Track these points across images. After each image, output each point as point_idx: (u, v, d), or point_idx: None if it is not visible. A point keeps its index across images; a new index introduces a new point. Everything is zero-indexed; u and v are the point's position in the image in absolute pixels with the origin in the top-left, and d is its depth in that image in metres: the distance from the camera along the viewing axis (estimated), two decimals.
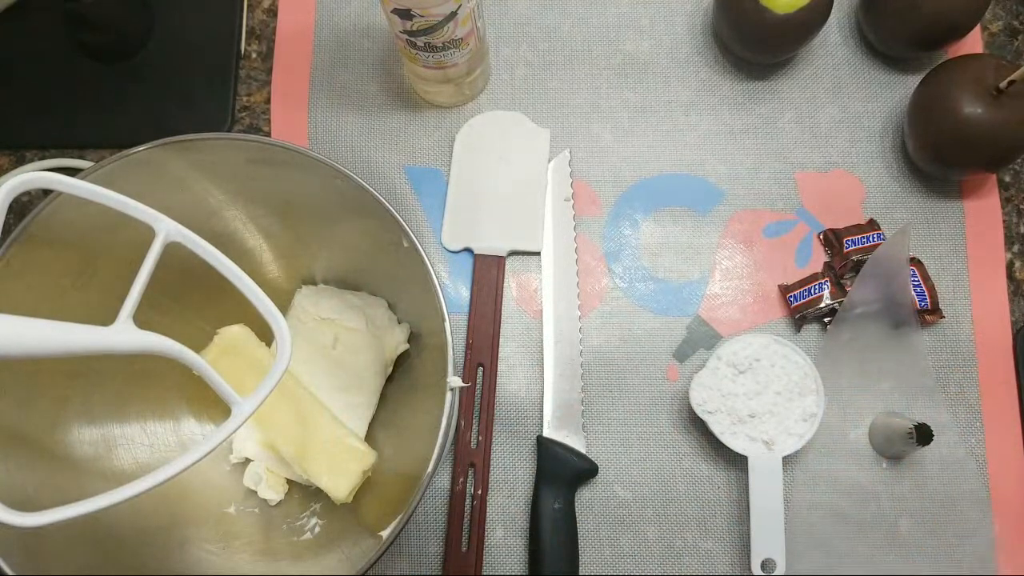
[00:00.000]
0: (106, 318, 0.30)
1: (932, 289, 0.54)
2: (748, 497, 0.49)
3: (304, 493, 0.52)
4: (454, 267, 0.56)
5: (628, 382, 0.55)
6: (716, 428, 0.50)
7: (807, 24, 0.53)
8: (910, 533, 0.52)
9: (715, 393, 0.50)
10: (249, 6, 0.61)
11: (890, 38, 0.57)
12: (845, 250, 0.55)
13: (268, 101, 0.59)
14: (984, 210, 0.57)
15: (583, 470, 0.52)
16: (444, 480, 0.53)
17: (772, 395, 0.50)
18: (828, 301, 0.53)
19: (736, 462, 0.53)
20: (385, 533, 0.40)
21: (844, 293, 0.54)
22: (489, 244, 0.56)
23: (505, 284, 0.56)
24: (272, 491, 0.51)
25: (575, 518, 0.52)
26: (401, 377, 0.53)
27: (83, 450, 0.47)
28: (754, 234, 0.57)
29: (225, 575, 0.46)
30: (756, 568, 0.49)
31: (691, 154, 0.58)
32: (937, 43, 0.56)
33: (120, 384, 0.49)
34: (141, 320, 0.30)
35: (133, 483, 0.29)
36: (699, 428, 0.54)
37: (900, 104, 0.59)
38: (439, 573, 0.52)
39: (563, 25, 0.60)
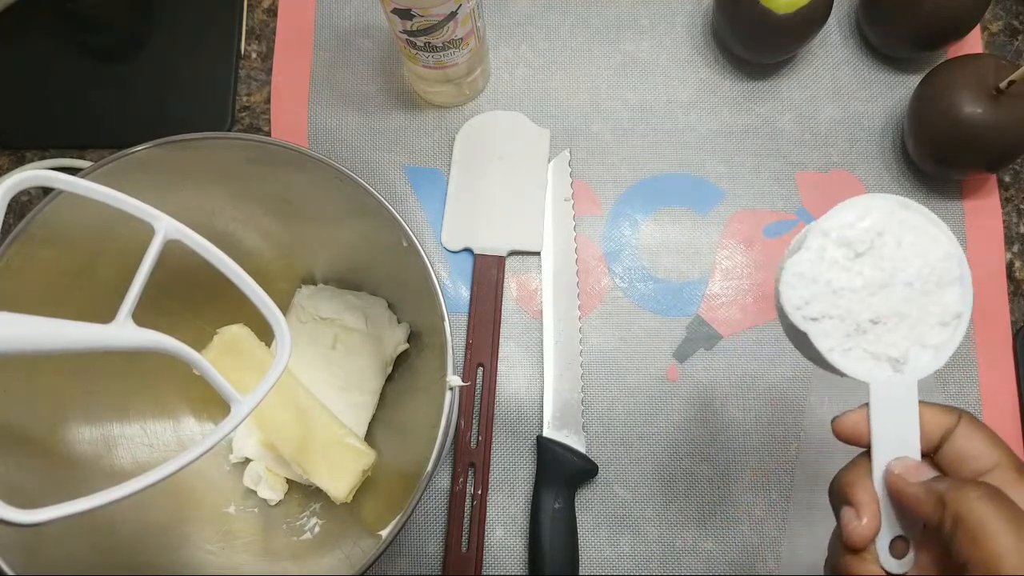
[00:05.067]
0: (106, 317, 0.30)
1: None
2: (870, 440, 0.33)
3: (304, 493, 0.52)
4: (454, 267, 0.56)
5: (628, 382, 0.55)
6: (823, 344, 0.33)
7: (807, 24, 0.53)
8: None
9: (822, 288, 0.33)
10: (249, 6, 0.61)
11: (890, 38, 0.57)
12: None
13: (268, 101, 0.59)
14: (984, 210, 0.57)
15: (583, 470, 0.52)
16: (444, 480, 0.53)
17: (901, 288, 0.33)
18: None
19: (741, 455, 0.53)
20: (385, 533, 0.40)
21: None
22: (489, 244, 0.56)
23: (505, 284, 0.56)
24: (272, 491, 0.51)
25: (575, 518, 0.52)
26: (401, 377, 0.53)
27: (83, 449, 0.47)
28: (754, 234, 0.57)
29: (225, 575, 0.46)
30: (884, 554, 0.32)
31: (691, 154, 0.58)
32: (937, 43, 0.56)
33: (120, 383, 0.49)
34: (141, 319, 0.30)
35: (132, 480, 0.29)
36: (700, 427, 0.54)
37: (900, 104, 0.59)
38: (439, 573, 0.52)
39: (563, 25, 0.60)
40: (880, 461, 0.32)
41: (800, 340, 0.34)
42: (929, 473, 0.31)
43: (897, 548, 0.32)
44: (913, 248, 0.33)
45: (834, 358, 0.33)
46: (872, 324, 0.33)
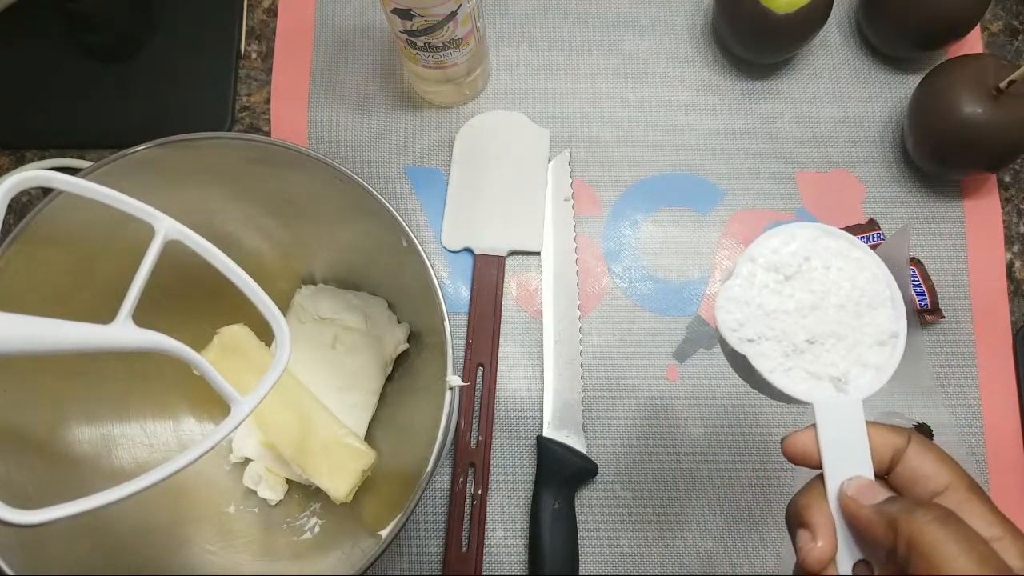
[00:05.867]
0: (106, 317, 0.30)
1: (932, 289, 0.54)
2: (821, 460, 0.32)
3: (304, 493, 0.52)
4: (454, 267, 0.56)
5: (628, 382, 0.55)
6: (763, 364, 0.33)
7: (807, 24, 0.53)
8: None
9: (755, 311, 0.34)
10: (249, 6, 0.61)
11: (890, 38, 0.57)
12: None
13: (268, 101, 0.59)
14: (984, 210, 0.57)
15: (583, 470, 0.52)
16: (444, 480, 0.53)
17: (834, 310, 0.34)
18: None
19: (741, 455, 0.53)
20: (385, 533, 0.40)
21: None
22: (489, 244, 0.56)
23: (505, 284, 0.56)
24: (272, 491, 0.51)
25: (575, 518, 0.52)
26: (401, 377, 0.53)
27: (83, 449, 0.47)
28: (754, 234, 0.57)
29: (225, 575, 0.46)
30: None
31: (691, 154, 0.58)
32: (937, 43, 0.56)
33: (120, 384, 0.49)
34: (141, 319, 0.30)
35: (132, 481, 0.29)
36: (700, 427, 0.54)
37: (900, 104, 0.59)
38: (439, 573, 0.52)
39: (563, 25, 0.60)
40: (833, 483, 0.31)
41: (742, 365, 0.34)
42: (883, 494, 0.30)
43: (860, 572, 0.31)
44: (841, 272, 0.34)
45: (776, 378, 0.33)
46: (809, 344, 0.33)
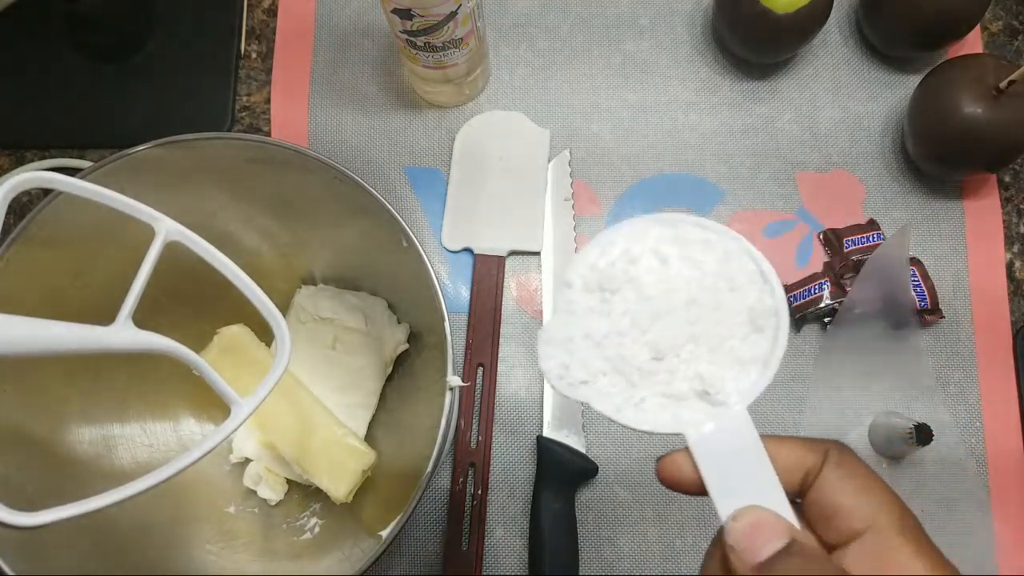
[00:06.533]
0: (106, 318, 0.30)
1: (932, 289, 0.54)
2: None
3: (304, 493, 0.52)
4: (454, 267, 0.56)
5: None
6: (606, 405, 0.28)
7: (807, 24, 0.53)
8: None
9: (581, 345, 0.28)
10: (249, 6, 0.61)
11: (890, 38, 0.57)
12: (845, 250, 0.55)
13: (268, 101, 0.59)
14: (984, 210, 0.57)
15: (583, 470, 0.52)
16: (444, 480, 0.53)
17: (685, 310, 0.27)
18: (828, 301, 0.53)
19: None
20: (385, 533, 0.40)
21: (844, 293, 0.54)
22: (489, 244, 0.56)
23: (505, 284, 0.56)
24: (271, 491, 0.51)
25: (575, 518, 0.52)
26: (401, 377, 0.53)
27: (83, 450, 0.47)
28: (754, 234, 0.57)
29: (225, 575, 0.46)
30: None
31: (691, 154, 0.58)
32: (937, 43, 0.56)
33: (120, 384, 0.49)
34: (141, 320, 0.30)
35: (132, 482, 0.29)
36: None
37: (900, 104, 0.59)
38: (439, 573, 0.52)
39: (563, 25, 0.60)
40: (725, 516, 0.25)
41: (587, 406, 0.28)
42: (779, 537, 0.23)
43: None
44: (684, 262, 0.28)
45: (626, 417, 0.27)
46: (657, 362, 0.27)
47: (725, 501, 0.25)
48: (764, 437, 0.25)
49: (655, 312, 0.27)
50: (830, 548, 0.24)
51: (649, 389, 0.27)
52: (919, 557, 0.23)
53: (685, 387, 0.27)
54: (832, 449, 0.25)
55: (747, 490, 0.25)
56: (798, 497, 0.25)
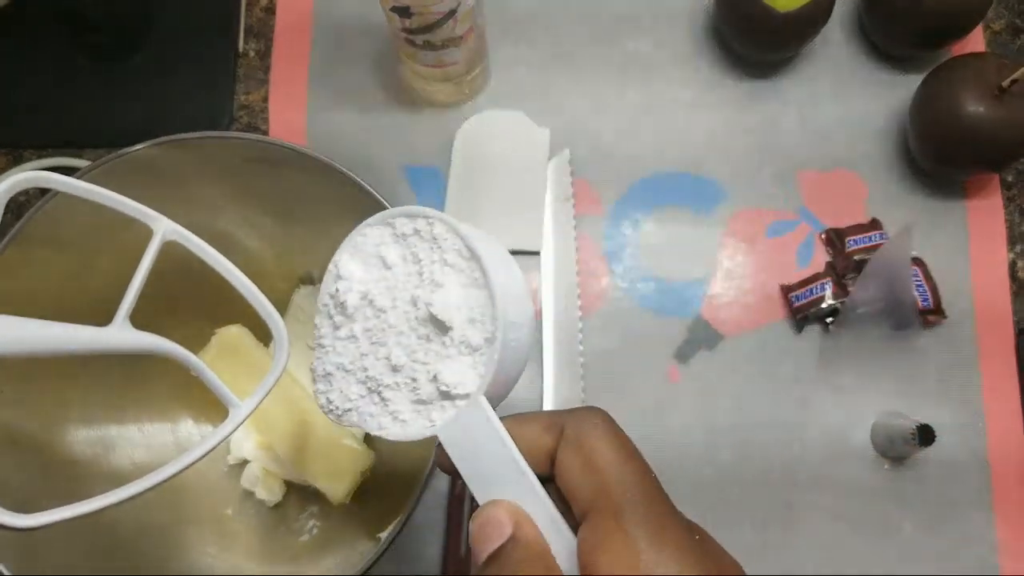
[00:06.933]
0: (103, 318, 0.30)
1: (935, 289, 0.53)
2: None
3: (302, 494, 0.52)
4: None
5: (629, 383, 0.54)
6: (372, 425, 0.28)
7: (809, 22, 0.53)
8: (912, 534, 0.52)
9: (336, 374, 0.28)
10: (247, 4, 0.60)
11: (892, 37, 0.57)
12: (847, 250, 0.54)
13: (266, 100, 0.59)
14: (987, 210, 0.57)
15: None
16: (443, 482, 0.53)
17: (410, 312, 0.27)
18: (830, 301, 0.53)
19: (743, 456, 0.53)
20: (383, 535, 0.40)
21: (846, 293, 0.53)
22: None
23: None
24: (269, 492, 0.51)
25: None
26: None
27: (81, 451, 0.47)
28: (756, 233, 0.57)
29: None
30: None
31: (692, 153, 0.58)
32: (939, 42, 0.56)
33: (118, 385, 0.49)
34: (139, 320, 0.30)
35: (130, 484, 0.29)
36: (701, 428, 0.54)
37: (903, 103, 0.58)
38: (438, 575, 0.52)
39: (564, 23, 0.60)
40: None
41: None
42: (500, 539, 0.22)
43: None
44: (405, 260, 0.27)
45: (390, 432, 0.27)
46: (395, 371, 0.27)
47: (482, 493, 0.25)
48: (510, 419, 0.25)
49: (385, 324, 0.27)
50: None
51: (400, 402, 0.27)
52: (627, 549, 0.20)
53: (431, 389, 0.26)
54: (569, 423, 0.24)
55: (499, 479, 0.24)
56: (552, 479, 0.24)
